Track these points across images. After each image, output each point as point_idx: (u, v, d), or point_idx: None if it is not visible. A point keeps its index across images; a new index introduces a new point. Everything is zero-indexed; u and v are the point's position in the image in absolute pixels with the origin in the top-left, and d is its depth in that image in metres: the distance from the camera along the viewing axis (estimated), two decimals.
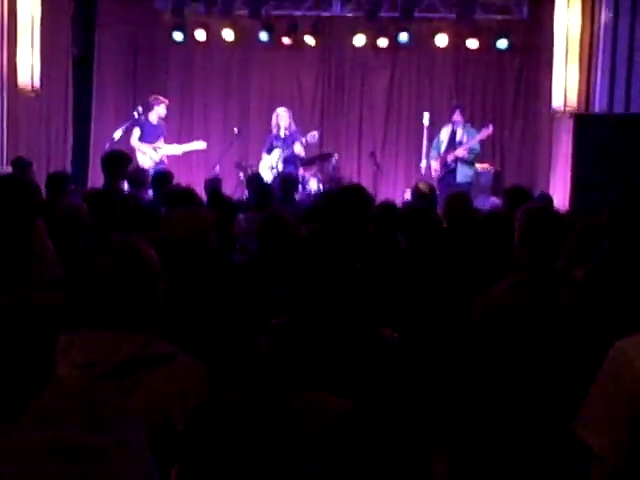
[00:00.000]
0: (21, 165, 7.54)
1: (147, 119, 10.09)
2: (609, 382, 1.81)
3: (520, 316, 2.13)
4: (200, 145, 10.43)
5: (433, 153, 9.82)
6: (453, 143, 9.63)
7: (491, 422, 2.09)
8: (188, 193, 5.29)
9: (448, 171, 9.58)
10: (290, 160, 10.01)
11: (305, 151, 10.23)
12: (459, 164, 9.51)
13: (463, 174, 9.50)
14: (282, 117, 10.14)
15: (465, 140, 9.56)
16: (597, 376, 1.86)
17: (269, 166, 10.04)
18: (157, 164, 9.73)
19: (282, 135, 10.08)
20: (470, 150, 9.51)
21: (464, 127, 9.71)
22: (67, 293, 2.78)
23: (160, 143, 10.00)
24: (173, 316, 2.82)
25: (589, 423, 1.85)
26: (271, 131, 10.34)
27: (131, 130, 10.03)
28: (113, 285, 2.04)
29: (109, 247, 2.10)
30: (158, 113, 10.10)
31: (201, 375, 2.07)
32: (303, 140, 10.02)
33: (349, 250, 2.61)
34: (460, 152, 9.51)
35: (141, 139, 9.97)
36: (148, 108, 10.16)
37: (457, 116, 9.78)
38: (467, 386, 2.32)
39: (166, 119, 10.44)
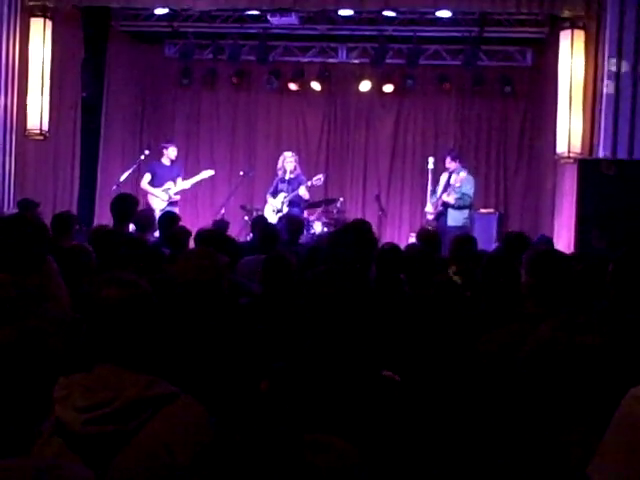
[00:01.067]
0: (27, 206, 7.59)
1: (159, 163, 10.20)
2: (625, 431, 1.78)
3: (561, 355, 2.11)
4: (208, 173, 10.46)
5: (432, 198, 9.83)
6: (447, 188, 9.62)
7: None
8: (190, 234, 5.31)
9: (438, 215, 9.58)
10: (295, 203, 10.07)
11: (310, 194, 10.30)
12: (450, 209, 9.46)
13: (453, 218, 9.39)
14: (288, 161, 10.23)
15: (458, 184, 9.49)
16: (612, 422, 1.84)
17: (274, 209, 10.10)
18: (169, 204, 9.81)
19: (287, 178, 10.15)
20: (459, 195, 9.41)
21: (458, 173, 9.65)
22: (77, 334, 2.79)
23: (177, 183, 10.10)
24: (179, 355, 2.82)
25: (603, 470, 1.82)
26: (276, 174, 10.43)
27: (142, 174, 10.18)
28: (119, 317, 2.02)
29: (114, 280, 2.08)
30: (169, 156, 10.21)
31: (201, 414, 2.06)
32: (308, 183, 10.09)
33: (351, 290, 2.61)
34: (445, 197, 9.50)
35: (154, 183, 10.06)
36: (159, 153, 10.30)
37: (448, 162, 9.80)
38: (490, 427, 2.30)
39: (177, 161, 10.53)
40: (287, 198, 10.05)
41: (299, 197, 10.08)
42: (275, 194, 10.20)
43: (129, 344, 2.05)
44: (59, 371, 2.08)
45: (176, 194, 10.08)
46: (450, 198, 9.42)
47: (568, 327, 2.17)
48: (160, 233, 6.93)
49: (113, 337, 2.03)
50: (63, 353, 2.57)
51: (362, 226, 4.37)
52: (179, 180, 10.14)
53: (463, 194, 9.39)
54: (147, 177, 10.15)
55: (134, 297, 2.06)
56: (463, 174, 9.55)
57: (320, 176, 10.34)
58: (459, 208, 9.40)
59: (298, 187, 10.03)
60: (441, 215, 9.50)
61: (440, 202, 9.55)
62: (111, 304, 2.02)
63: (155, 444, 1.93)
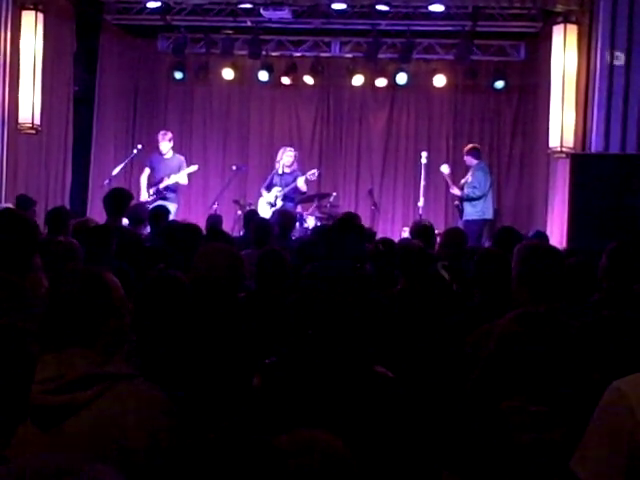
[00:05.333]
0: (24, 204, 7.53)
1: (158, 156, 10.11)
2: (607, 426, 1.79)
3: (522, 347, 2.13)
4: (191, 169, 10.33)
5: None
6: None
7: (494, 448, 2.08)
8: (189, 230, 5.29)
9: (459, 210, 9.73)
10: (289, 198, 10.08)
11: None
12: (464, 203, 9.59)
13: (467, 212, 9.55)
14: (287, 155, 10.23)
15: (469, 180, 9.64)
16: (594, 415, 1.84)
17: (268, 202, 10.09)
18: (158, 199, 9.69)
19: (283, 172, 10.15)
20: (469, 188, 9.54)
21: (475, 167, 9.75)
22: None
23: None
24: (185, 350, 2.83)
25: (586, 462, 1.83)
26: (271, 168, 10.42)
27: (141, 167, 10.17)
28: (74, 306, 2.15)
29: (74, 274, 2.25)
30: (162, 150, 10.12)
31: (158, 399, 2.11)
32: (303, 178, 10.09)
33: (347, 285, 2.61)
34: (452, 189, 9.68)
35: (152, 177, 9.99)
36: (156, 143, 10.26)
37: (468, 159, 9.91)
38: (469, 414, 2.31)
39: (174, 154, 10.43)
40: (281, 192, 10.05)
41: (293, 192, 10.09)
42: (269, 188, 10.20)
43: (88, 330, 2.14)
44: (34, 366, 2.12)
45: (166, 189, 9.96)
46: (456, 190, 9.60)
47: (526, 320, 2.18)
48: (151, 228, 6.92)
49: (72, 323, 2.14)
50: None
51: (355, 221, 4.37)
52: (181, 172, 10.00)
53: (473, 188, 9.49)
54: (146, 171, 10.11)
55: (93, 290, 2.18)
56: (481, 173, 9.64)
57: (314, 171, 10.34)
58: (469, 200, 9.51)
59: (292, 182, 10.03)
60: (460, 210, 9.68)
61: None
62: (70, 294, 2.17)
63: (104, 419, 2.00)
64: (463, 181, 9.77)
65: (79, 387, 2.03)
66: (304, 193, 10.26)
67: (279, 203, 9.99)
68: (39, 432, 1.99)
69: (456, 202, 9.84)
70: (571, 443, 1.99)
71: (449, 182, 9.87)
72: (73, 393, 2.02)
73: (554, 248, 3.51)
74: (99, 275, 2.23)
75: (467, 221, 9.31)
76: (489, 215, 9.67)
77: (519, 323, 2.16)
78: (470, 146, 10.17)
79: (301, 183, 10.05)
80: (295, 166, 10.31)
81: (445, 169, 9.84)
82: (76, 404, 2.01)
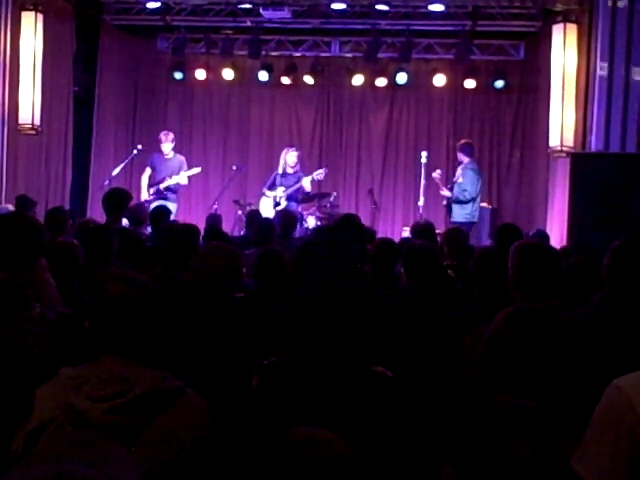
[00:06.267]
0: (24, 205, 7.53)
1: (160, 156, 10.10)
2: (608, 424, 1.79)
3: (512, 344, 2.14)
4: (194, 171, 10.30)
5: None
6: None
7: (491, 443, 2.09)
8: (187, 230, 5.28)
9: (447, 210, 9.62)
10: (293, 198, 10.08)
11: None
12: (453, 204, 9.43)
13: (456, 214, 9.35)
14: (291, 156, 10.23)
15: (460, 181, 9.45)
16: (595, 413, 1.84)
17: (274, 199, 10.07)
18: (158, 199, 9.66)
19: (284, 172, 10.14)
20: (458, 189, 9.37)
21: (465, 167, 9.56)
22: (69, 329, 2.79)
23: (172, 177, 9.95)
24: (182, 350, 2.83)
25: (588, 461, 1.83)
26: (270, 169, 10.41)
27: (142, 167, 10.16)
28: (123, 312, 2.08)
29: (117, 277, 2.15)
30: (164, 151, 10.11)
31: (205, 409, 2.12)
32: (309, 178, 10.09)
33: (346, 286, 2.61)
34: (441, 191, 9.57)
35: (154, 177, 9.98)
36: (158, 143, 10.23)
37: (459, 156, 9.78)
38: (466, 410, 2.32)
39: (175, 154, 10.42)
40: (286, 192, 10.05)
41: (297, 192, 10.09)
42: (272, 188, 10.18)
43: (134, 338, 2.10)
44: (39, 370, 2.09)
45: (166, 189, 9.94)
46: (446, 192, 9.47)
47: (517, 317, 2.19)
48: (152, 228, 6.92)
49: (119, 331, 2.09)
50: (43, 352, 2.59)
51: (355, 221, 4.37)
52: (182, 173, 9.98)
53: (463, 191, 9.32)
54: (147, 171, 10.11)
55: (137, 293, 2.12)
56: (471, 174, 9.47)
57: (322, 170, 10.33)
58: (458, 203, 9.36)
59: (295, 182, 10.03)
60: (449, 210, 9.53)
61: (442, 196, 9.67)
62: (115, 300, 2.09)
63: (169, 436, 1.98)
64: (454, 180, 9.61)
65: (144, 405, 1.98)
66: (308, 193, 10.26)
67: (283, 203, 9.99)
68: None
69: (444, 202, 9.71)
70: (560, 437, 2.00)
71: (440, 185, 9.72)
72: (138, 412, 1.98)
73: (550, 247, 3.51)
74: (142, 279, 2.18)
75: (454, 222, 9.08)
76: (476, 218, 9.53)
77: (510, 320, 2.17)
78: (463, 142, 9.98)
79: (306, 183, 10.06)
80: (298, 166, 10.31)
81: (436, 174, 9.70)
82: (142, 423, 1.98)
